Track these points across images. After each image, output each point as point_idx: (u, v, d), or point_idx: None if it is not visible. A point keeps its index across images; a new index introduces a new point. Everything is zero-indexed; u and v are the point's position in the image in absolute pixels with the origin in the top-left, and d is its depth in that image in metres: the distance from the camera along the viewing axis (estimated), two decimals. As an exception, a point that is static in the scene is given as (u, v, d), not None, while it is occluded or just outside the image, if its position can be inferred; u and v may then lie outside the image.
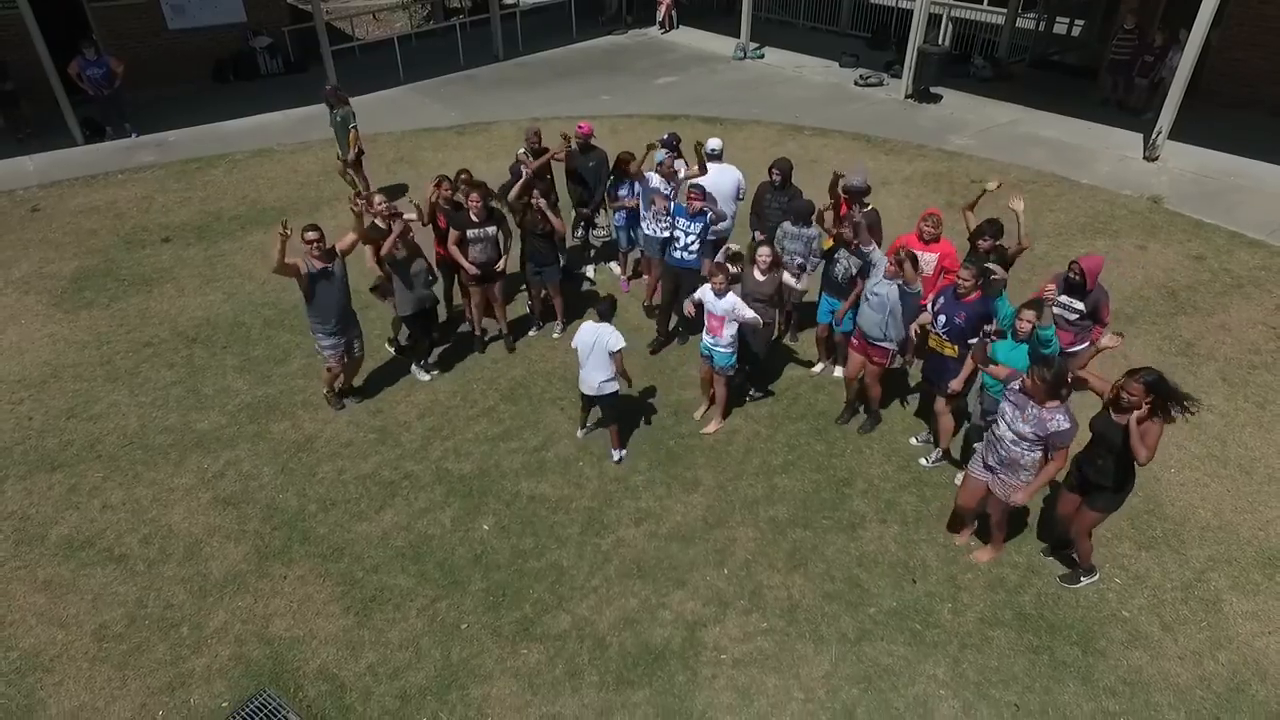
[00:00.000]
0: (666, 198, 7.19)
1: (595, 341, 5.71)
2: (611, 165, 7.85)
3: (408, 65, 15.16)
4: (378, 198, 6.76)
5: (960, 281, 5.37)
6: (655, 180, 7.24)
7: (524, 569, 5.38)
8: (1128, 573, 5.26)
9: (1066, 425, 4.47)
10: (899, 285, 5.68)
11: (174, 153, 11.87)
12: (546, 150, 7.81)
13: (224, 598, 5.19)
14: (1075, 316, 5.67)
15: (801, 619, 5.01)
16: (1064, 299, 5.68)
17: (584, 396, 6.15)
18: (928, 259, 6.23)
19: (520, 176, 7.23)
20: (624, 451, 6.26)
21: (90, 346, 7.62)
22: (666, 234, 7.16)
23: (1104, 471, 4.64)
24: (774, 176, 7.10)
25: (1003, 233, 6.06)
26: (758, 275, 6.22)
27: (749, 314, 5.84)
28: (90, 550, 5.52)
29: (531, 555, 5.48)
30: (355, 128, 9.54)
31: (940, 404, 5.82)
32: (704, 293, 5.98)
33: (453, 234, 6.73)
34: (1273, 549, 5.40)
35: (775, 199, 7.10)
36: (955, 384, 5.51)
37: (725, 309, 5.87)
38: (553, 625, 5.00)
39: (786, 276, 6.49)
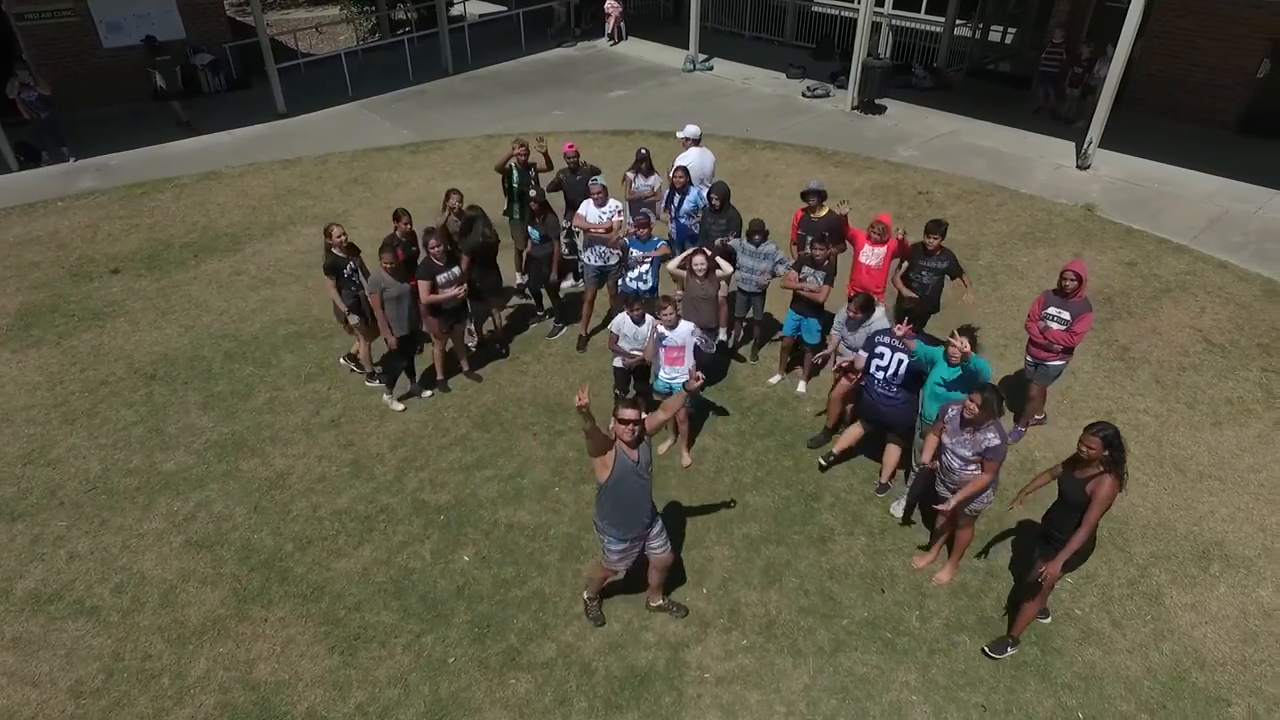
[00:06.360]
0: (610, 224, 7.41)
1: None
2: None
3: (355, 81, 15.01)
4: (336, 230, 6.78)
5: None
6: (591, 208, 7.41)
7: (507, 598, 5.46)
8: (1078, 572, 5.58)
9: (997, 442, 4.78)
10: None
11: (116, 177, 11.56)
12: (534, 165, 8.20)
13: (204, 645, 5.15)
14: (1061, 327, 6.05)
15: (779, 634, 5.22)
16: (1052, 310, 6.09)
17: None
18: (878, 253, 6.75)
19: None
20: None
21: (42, 387, 7.41)
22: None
23: (1065, 528, 4.57)
24: (712, 201, 7.39)
25: (946, 229, 6.62)
26: (697, 280, 6.55)
27: (707, 346, 6.11)
28: (59, 603, 5.41)
29: (514, 584, 5.56)
30: None
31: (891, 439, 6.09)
32: (657, 329, 6.12)
33: (424, 286, 6.62)
34: (1206, 543, 5.82)
35: (715, 221, 7.40)
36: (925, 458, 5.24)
37: (683, 338, 6.06)
38: (539, 654, 5.10)
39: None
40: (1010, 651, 5.04)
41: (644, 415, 4.53)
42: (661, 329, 6.07)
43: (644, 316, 6.19)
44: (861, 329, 6.07)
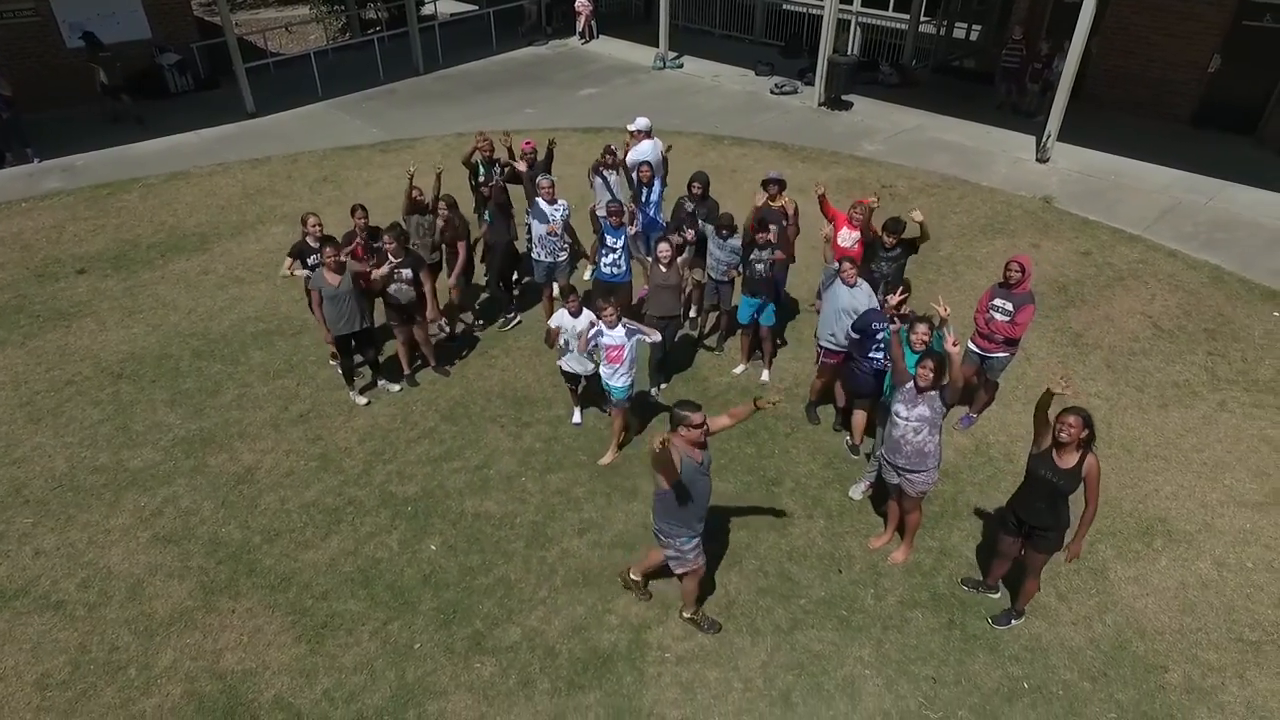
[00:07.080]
0: (561, 223, 7.47)
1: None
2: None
3: (325, 80, 14.98)
4: (312, 219, 6.87)
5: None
6: (541, 204, 7.43)
7: (473, 586, 5.56)
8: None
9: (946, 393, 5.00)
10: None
11: (82, 178, 11.48)
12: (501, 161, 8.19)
13: (171, 636, 5.21)
14: (1005, 318, 6.25)
15: (738, 614, 5.36)
16: (998, 301, 6.31)
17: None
18: (854, 235, 7.06)
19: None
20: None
21: (7, 387, 7.39)
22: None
23: (1044, 514, 4.78)
24: (694, 189, 7.51)
25: (904, 229, 6.80)
26: (662, 268, 6.69)
27: (651, 335, 6.27)
28: (25, 598, 5.43)
29: (479, 572, 5.66)
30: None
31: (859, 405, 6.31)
32: (597, 329, 6.19)
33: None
34: (1150, 519, 6.04)
35: (696, 210, 7.50)
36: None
37: (619, 339, 6.14)
38: (504, 638, 5.21)
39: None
40: (1015, 622, 5.25)
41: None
42: (601, 327, 6.17)
43: (581, 309, 6.29)
44: (860, 290, 6.24)
